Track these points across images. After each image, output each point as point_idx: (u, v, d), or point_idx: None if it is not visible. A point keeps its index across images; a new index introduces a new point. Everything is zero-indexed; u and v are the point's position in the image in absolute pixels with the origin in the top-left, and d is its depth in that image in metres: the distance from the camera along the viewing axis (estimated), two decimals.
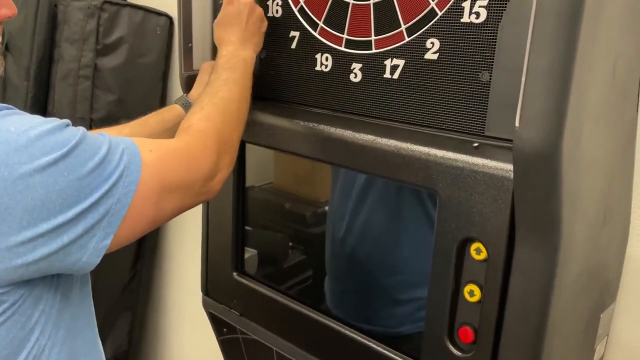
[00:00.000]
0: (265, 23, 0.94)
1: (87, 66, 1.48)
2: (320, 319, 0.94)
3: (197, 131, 0.75)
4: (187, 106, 0.96)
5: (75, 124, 0.62)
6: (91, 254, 0.61)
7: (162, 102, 1.62)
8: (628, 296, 0.90)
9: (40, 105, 1.60)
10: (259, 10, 0.93)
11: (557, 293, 0.68)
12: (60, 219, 0.57)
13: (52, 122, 0.59)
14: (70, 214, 0.58)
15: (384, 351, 0.85)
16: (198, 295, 1.16)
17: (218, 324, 1.13)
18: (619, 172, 0.82)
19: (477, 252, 0.72)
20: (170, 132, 0.96)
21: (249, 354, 1.09)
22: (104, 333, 1.70)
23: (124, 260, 1.68)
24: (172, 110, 0.98)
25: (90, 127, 1.50)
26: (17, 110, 0.60)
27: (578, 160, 0.65)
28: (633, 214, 0.88)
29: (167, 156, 0.68)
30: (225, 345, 1.14)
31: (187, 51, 0.96)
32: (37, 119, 0.59)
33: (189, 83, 0.98)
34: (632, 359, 0.92)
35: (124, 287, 1.70)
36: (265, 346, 1.04)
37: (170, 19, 1.57)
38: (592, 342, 0.86)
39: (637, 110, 0.82)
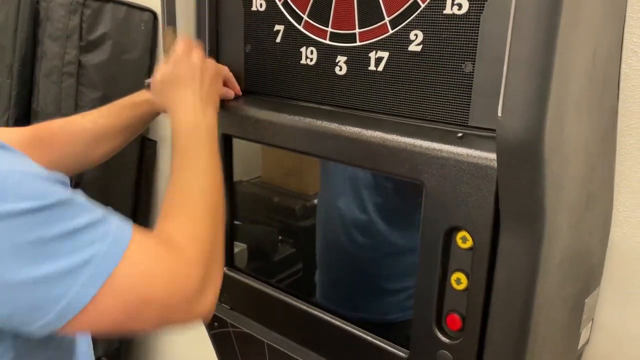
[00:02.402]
0: (222, 77, 0.88)
1: (71, 63, 1.47)
2: (310, 310, 0.95)
3: (187, 239, 0.64)
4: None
5: None
6: (33, 333, 0.54)
7: None
8: (612, 282, 0.92)
9: (24, 103, 1.59)
10: (212, 64, 0.86)
11: (542, 279, 0.69)
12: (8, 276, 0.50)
13: (40, 169, 0.55)
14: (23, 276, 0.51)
15: (374, 340, 0.86)
16: None
17: None
18: (601, 159, 0.83)
19: (463, 240, 0.73)
20: (144, 122, 0.96)
21: (240, 347, 1.10)
22: None
23: None
24: (141, 98, 0.94)
25: None
26: (5, 145, 0.56)
27: (560, 148, 0.66)
28: (615, 201, 0.90)
29: (152, 260, 0.60)
30: (217, 339, 1.14)
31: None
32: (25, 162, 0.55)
33: None
34: (616, 342, 0.94)
35: None
36: (256, 339, 1.04)
37: (154, 14, 1.56)
38: (577, 327, 0.88)
39: (618, 98, 0.84)
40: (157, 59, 1.60)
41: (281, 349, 1.01)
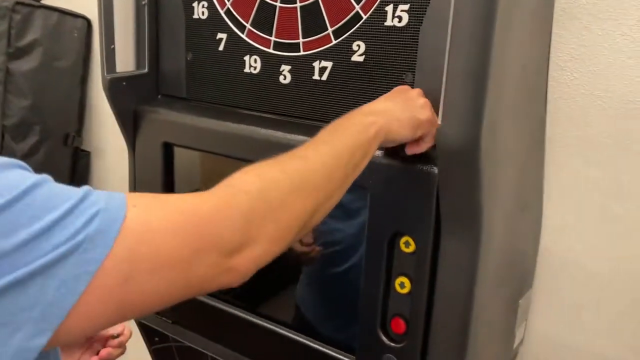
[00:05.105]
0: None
1: None
2: (253, 319, 0.94)
3: (240, 184, 0.54)
4: None
5: None
6: (14, 356, 0.41)
7: (81, 106, 1.55)
8: (542, 284, 0.97)
9: None
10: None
11: (480, 281, 0.72)
12: None
13: None
14: None
15: (320, 347, 0.87)
16: None
17: (149, 334, 1.09)
18: (531, 165, 0.88)
19: (406, 245, 0.75)
20: None
21: None
22: None
23: None
24: None
25: (2, 135, 1.41)
26: None
27: (495, 154, 0.69)
28: (544, 207, 0.95)
29: (172, 225, 0.48)
30: (158, 354, 1.11)
31: (110, 53, 0.93)
32: None
33: (112, 86, 0.95)
34: (547, 342, 0.99)
35: None
36: (198, 352, 1.02)
37: (88, 21, 1.51)
38: (512, 327, 0.92)
39: (545, 109, 0.89)
40: (91, 67, 1.55)
41: None
